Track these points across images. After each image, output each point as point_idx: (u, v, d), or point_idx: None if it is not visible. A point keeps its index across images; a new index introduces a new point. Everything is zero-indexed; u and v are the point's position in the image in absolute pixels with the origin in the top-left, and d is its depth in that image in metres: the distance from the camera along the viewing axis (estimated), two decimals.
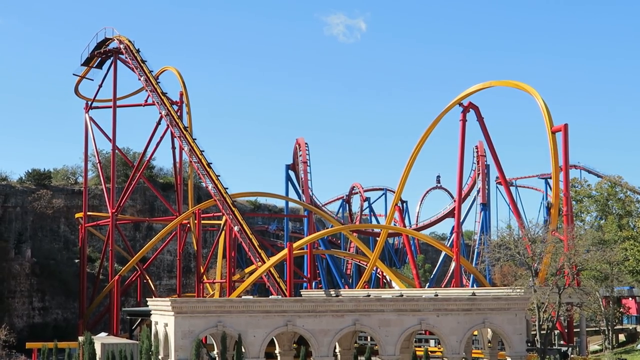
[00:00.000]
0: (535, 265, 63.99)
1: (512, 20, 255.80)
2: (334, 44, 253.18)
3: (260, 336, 49.75)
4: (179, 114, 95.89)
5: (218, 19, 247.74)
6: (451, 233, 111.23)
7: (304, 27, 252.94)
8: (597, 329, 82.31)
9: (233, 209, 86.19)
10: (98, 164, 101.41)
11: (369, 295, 67.98)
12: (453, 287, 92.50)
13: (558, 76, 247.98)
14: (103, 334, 74.07)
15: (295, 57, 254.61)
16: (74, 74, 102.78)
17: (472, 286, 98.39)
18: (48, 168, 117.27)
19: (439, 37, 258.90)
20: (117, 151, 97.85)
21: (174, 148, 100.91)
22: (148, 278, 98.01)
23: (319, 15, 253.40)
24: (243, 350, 49.16)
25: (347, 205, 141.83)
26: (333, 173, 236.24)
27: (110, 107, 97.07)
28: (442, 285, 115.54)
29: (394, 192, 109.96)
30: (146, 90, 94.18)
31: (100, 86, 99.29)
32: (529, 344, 62.14)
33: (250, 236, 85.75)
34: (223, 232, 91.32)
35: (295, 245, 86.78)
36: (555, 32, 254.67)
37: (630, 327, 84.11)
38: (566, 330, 75.91)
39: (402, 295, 65.13)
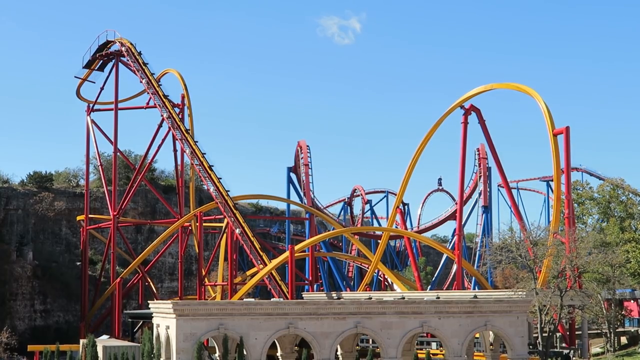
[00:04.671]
0: (537, 267, 64.03)
1: (513, 22, 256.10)
2: (329, 45, 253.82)
3: (261, 339, 49.79)
4: (180, 116, 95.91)
5: (219, 22, 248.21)
6: (453, 235, 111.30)
7: (300, 29, 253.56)
8: (599, 331, 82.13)
9: (234, 211, 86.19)
10: (100, 167, 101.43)
11: (371, 298, 67.99)
12: (455, 289, 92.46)
13: (560, 79, 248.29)
14: (105, 337, 74.02)
15: (295, 60, 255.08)
16: (75, 77, 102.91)
17: (474, 289, 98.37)
18: (50, 171, 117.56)
19: (440, 39, 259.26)
20: (118, 154, 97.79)
21: (175, 150, 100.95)
22: (150, 281, 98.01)
23: (312, 18, 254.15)
24: (245, 352, 49.18)
25: (348, 207, 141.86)
26: (334, 175, 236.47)
27: (111, 109, 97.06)
28: (444, 288, 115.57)
29: (395, 195, 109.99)
30: (148, 93, 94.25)
31: (102, 89, 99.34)
32: (530, 347, 62.15)
33: (252, 239, 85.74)
34: (224, 234, 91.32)
35: (296, 247, 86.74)
36: (557, 35, 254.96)
37: (632, 330, 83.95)
38: (568, 333, 75.83)
39: (403, 298, 65.11)
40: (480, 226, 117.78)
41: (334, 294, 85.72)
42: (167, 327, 50.85)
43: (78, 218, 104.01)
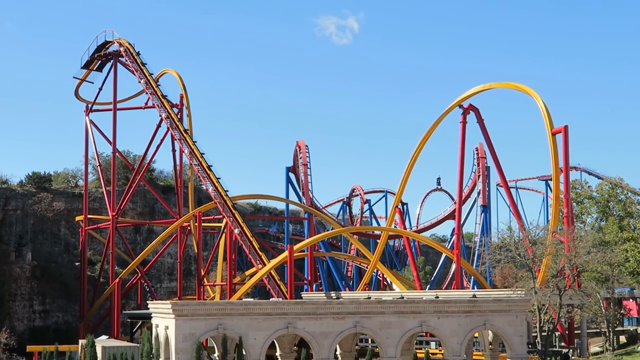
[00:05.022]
0: (536, 267, 64.01)
1: (511, 22, 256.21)
2: (328, 45, 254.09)
3: (261, 339, 49.76)
4: (179, 116, 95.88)
5: (217, 22, 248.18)
6: (452, 235, 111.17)
7: (298, 29, 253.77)
8: (597, 330, 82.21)
9: (233, 211, 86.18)
10: (98, 167, 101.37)
11: (370, 298, 67.97)
12: (454, 289, 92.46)
13: (558, 78, 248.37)
14: (104, 337, 74.00)
15: (294, 59, 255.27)
16: (74, 77, 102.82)
17: (473, 288, 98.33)
18: (48, 171, 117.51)
19: (439, 38, 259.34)
20: (117, 154, 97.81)
21: (174, 151, 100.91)
22: (148, 281, 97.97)
23: (309, 17, 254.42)
24: (244, 352, 49.15)
25: (347, 207, 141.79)
26: (333, 175, 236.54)
27: (110, 109, 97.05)
28: (443, 287, 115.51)
29: (394, 194, 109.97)
30: (146, 93, 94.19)
31: (101, 89, 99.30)
32: (529, 346, 62.13)
33: (251, 239, 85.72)
34: (223, 234, 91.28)
35: (295, 247, 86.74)
36: (555, 34, 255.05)
37: (631, 329, 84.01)
38: (567, 332, 75.86)
39: (402, 298, 65.11)
40: (479, 225, 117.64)
41: (333, 294, 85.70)
42: (166, 327, 50.82)
43: (77, 218, 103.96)
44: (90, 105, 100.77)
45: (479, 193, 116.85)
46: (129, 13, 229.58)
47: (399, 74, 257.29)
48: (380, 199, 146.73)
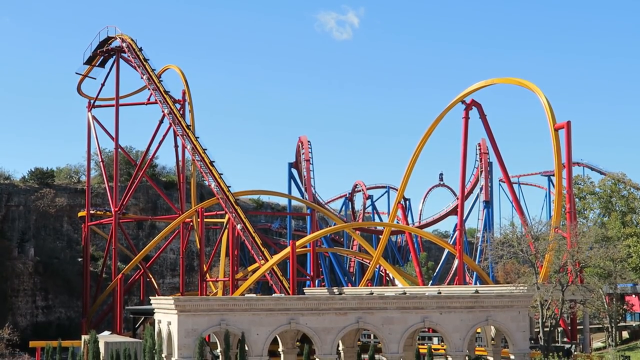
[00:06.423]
0: (538, 262, 63.92)
1: (514, 17, 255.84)
2: (328, 41, 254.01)
3: (263, 334, 49.74)
4: (181, 112, 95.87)
5: (219, 18, 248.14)
6: (454, 231, 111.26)
7: (298, 25, 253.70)
8: (600, 326, 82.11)
9: (236, 207, 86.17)
10: (101, 163, 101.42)
11: (372, 293, 67.97)
12: (456, 284, 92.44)
13: (561, 73, 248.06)
14: (106, 333, 74.07)
15: (295, 55, 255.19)
16: (76, 73, 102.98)
17: (475, 284, 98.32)
18: (51, 167, 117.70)
19: (440, 34, 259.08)
20: (119, 150, 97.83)
21: (176, 146, 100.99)
22: (151, 276, 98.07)
23: (309, 13, 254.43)
24: (246, 348, 49.16)
25: (350, 203, 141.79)
26: (336, 171, 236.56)
27: (112, 105, 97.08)
28: (445, 283, 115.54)
29: (396, 190, 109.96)
30: (149, 89, 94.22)
31: (103, 85, 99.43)
32: (532, 341, 62.13)
33: (253, 234, 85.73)
34: (226, 230, 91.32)
35: (298, 243, 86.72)
36: (558, 29, 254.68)
37: (634, 325, 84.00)
38: (569, 328, 75.82)
39: (405, 293, 65.09)
40: (481, 221, 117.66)
41: (335, 290, 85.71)
42: (169, 323, 50.82)
43: (79, 214, 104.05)
44: (92, 101, 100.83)
45: (481, 189, 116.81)
46: (131, 9, 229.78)
47: (401, 70, 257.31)
48: (382, 195, 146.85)
